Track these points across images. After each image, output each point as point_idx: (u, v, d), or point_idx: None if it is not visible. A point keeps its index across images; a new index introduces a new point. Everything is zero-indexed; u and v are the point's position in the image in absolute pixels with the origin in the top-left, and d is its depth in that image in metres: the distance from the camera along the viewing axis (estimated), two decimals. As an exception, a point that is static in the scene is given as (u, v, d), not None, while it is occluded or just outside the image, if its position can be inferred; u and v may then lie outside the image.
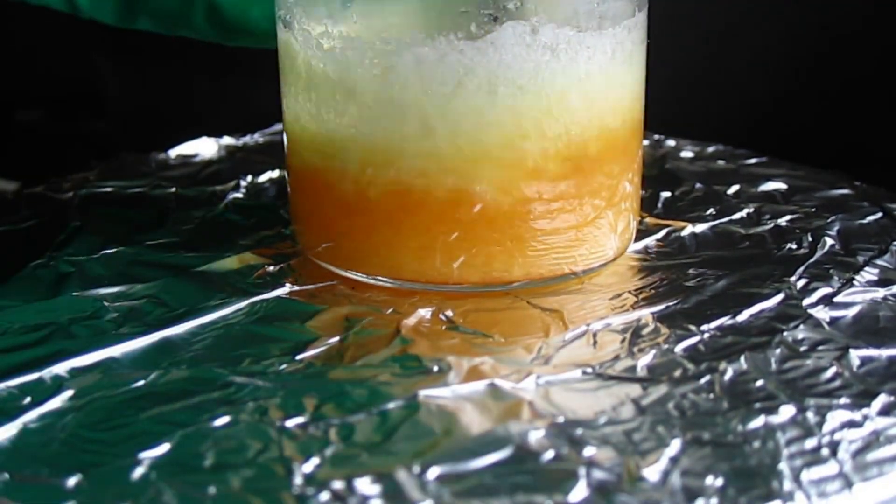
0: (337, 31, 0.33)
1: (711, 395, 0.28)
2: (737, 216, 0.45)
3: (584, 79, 0.34)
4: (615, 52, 0.35)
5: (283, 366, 0.30)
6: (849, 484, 0.25)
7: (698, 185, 0.50)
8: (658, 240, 0.42)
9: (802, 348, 0.31)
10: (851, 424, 0.27)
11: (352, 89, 0.34)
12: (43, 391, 0.29)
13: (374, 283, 0.36)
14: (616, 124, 0.36)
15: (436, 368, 0.30)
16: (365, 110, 0.34)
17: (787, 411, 0.27)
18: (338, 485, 0.24)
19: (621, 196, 0.37)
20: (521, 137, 0.33)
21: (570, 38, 0.33)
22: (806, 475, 0.25)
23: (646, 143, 0.58)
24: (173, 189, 0.49)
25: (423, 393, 0.28)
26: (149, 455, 0.25)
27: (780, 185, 0.50)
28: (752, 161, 0.54)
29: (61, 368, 0.30)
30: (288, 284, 0.36)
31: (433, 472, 0.25)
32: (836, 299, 0.35)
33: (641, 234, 0.43)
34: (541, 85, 0.33)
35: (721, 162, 0.54)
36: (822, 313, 0.34)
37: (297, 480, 0.24)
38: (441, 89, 0.33)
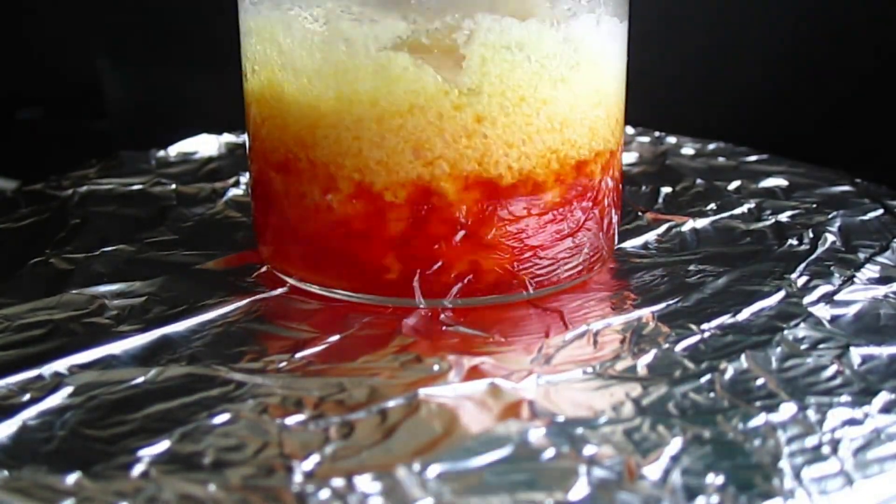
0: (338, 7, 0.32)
1: (712, 394, 0.28)
2: (737, 211, 0.45)
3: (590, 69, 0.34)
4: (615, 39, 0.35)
5: (283, 363, 0.30)
6: (850, 481, 0.24)
7: (699, 181, 0.50)
8: (659, 235, 0.42)
9: (803, 346, 0.31)
10: (852, 422, 0.27)
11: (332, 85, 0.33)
12: (42, 388, 0.29)
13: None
14: (618, 115, 0.36)
15: (436, 367, 0.30)
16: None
17: (787, 409, 0.27)
18: (338, 482, 0.24)
19: (604, 192, 0.37)
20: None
21: (579, 28, 0.33)
22: (807, 473, 0.25)
23: (646, 139, 0.58)
24: (173, 186, 0.49)
25: (424, 391, 0.28)
26: (148, 452, 0.25)
27: (780, 182, 0.50)
28: (753, 158, 0.54)
29: (61, 366, 0.30)
30: (288, 282, 0.36)
31: (433, 470, 0.25)
32: (836, 297, 0.35)
33: (642, 229, 0.43)
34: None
35: (722, 159, 0.54)
36: (822, 311, 0.34)
37: (297, 478, 0.24)
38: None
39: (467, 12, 0.31)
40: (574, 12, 0.33)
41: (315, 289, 0.35)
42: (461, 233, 0.33)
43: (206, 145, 0.56)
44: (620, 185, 0.38)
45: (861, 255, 0.39)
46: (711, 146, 0.57)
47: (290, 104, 0.33)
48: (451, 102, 0.32)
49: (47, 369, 0.30)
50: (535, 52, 0.32)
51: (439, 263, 0.33)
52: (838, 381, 0.29)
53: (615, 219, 0.38)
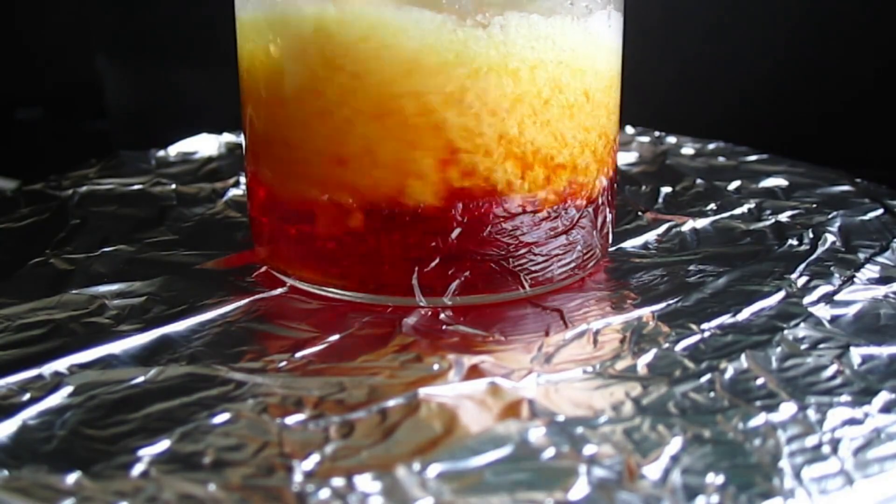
0: None
1: (712, 394, 0.28)
2: (738, 211, 0.45)
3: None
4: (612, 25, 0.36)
5: (283, 363, 0.30)
6: (850, 481, 0.24)
7: (699, 181, 0.50)
8: (659, 235, 0.42)
9: (803, 346, 0.31)
10: (852, 422, 0.27)
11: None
12: (42, 388, 0.29)
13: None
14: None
15: (436, 367, 0.30)
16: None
17: (787, 409, 0.27)
18: (338, 482, 0.24)
19: (599, 190, 0.37)
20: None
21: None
22: (807, 472, 0.25)
23: (647, 139, 0.58)
24: (173, 186, 0.49)
25: (424, 391, 0.28)
26: (148, 452, 0.25)
27: (780, 182, 0.50)
28: (753, 158, 0.54)
29: (61, 365, 0.30)
30: (288, 282, 0.36)
31: (433, 470, 0.25)
32: (836, 297, 0.35)
33: (642, 229, 0.43)
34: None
35: (721, 158, 0.54)
36: (822, 311, 0.34)
37: (297, 478, 0.24)
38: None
39: (498, 10, 0.32)
40: (590, 9, 0.34)
41: (314, 288, 0.35)
42: (457, 230, 0.33)
43: (206, 145, 0.56)
44: (615, 184, 0.38)
45: (861, 255, 0.39)
46: (711, 146, 0.57)
47: (294, 101, 0.33)
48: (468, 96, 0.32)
49: (47, 369, 0.30)
50: (563, 45, 0.33)
51: (436, 261, 0.33)
52: (838, 380, 0.29)
53: (609, 217, 0.38)
